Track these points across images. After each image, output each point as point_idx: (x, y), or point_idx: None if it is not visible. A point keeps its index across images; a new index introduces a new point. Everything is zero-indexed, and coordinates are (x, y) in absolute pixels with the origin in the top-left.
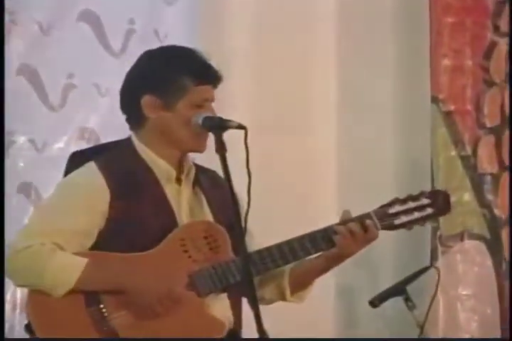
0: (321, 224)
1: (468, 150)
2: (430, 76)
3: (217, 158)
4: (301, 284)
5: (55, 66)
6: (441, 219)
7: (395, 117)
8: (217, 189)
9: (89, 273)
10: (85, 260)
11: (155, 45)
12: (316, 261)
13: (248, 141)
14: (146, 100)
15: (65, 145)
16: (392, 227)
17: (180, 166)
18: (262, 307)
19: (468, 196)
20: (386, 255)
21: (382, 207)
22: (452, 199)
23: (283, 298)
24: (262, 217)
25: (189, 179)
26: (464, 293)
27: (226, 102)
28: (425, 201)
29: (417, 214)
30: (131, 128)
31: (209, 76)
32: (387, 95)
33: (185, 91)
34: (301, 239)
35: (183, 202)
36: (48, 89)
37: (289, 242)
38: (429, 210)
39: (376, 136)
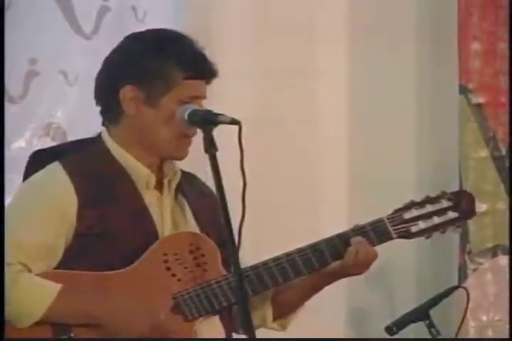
0: (328, 234)
1: (503, 150)
2: (458, 62)
3: (202, 160)
4: (283, 309)
5: (14, 50)
6: (470, 231)
7: (416, 111)
8: (203, 197)
9: (60, 303)
10: (58, 287)
11: (132, 24)
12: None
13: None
14: (127, 91)
15: (26, 144)
16: (409, 235)
17: (161, 170)
18: (263, 334)
19: (502, 204)
20: (406, 273)
21: (396, 211)
22: (484, 207)
23: (263, 324)
24: (257, 226)
25: (172, 185)
26: (497, 318)
27: (217, 95)
28: (446, 203)
29: (436, 219)
30: (104, 122)
31: (202, 69)
32: (406, 85)
33: (172, 84)
34: (303, 250)
35: (165, 211)
36: (6, 78)
37: (288, 255)
38: (451, 214)
39: (394, 133)
